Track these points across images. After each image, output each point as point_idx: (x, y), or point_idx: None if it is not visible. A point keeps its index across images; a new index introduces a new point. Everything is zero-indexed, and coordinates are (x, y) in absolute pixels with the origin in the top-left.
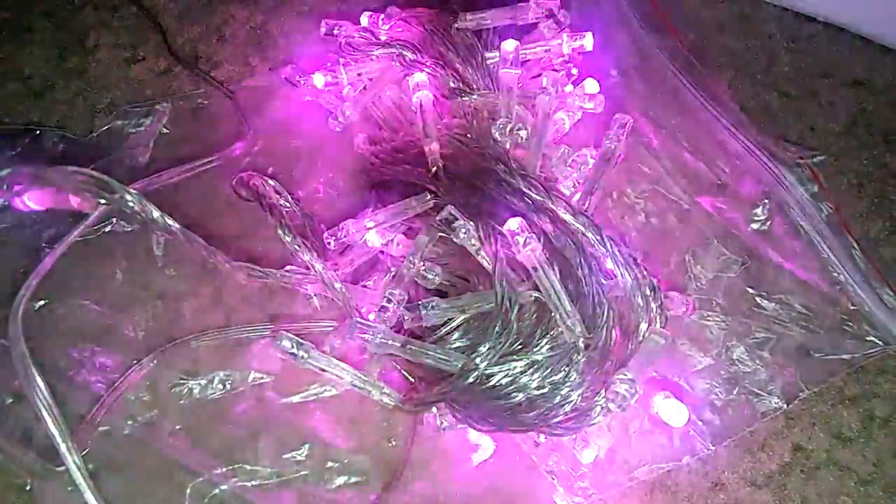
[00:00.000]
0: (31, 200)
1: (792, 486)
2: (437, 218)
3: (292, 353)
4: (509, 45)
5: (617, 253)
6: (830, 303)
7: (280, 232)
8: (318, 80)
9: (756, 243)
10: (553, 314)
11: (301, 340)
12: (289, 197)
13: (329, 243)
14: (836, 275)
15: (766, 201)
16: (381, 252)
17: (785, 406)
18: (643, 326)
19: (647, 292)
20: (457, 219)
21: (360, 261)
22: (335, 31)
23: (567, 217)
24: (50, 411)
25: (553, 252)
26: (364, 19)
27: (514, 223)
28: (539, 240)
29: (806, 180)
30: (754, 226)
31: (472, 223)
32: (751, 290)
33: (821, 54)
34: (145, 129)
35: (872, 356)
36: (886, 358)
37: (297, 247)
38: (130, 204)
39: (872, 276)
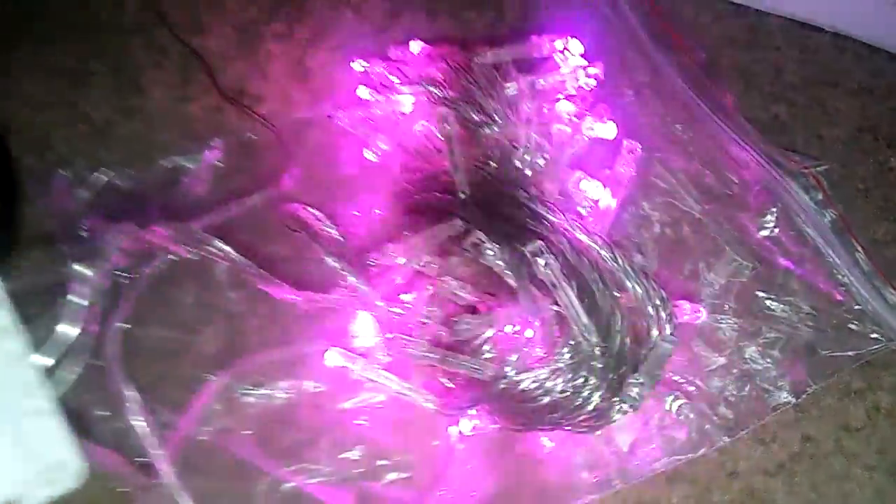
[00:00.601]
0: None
1: (802, 473)
2: (466, 242)
3: (344, 366)
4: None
5: (628, 268)
6: (836, 303)
7: (328, 258)
8: (354, 114)
9: (765, 249)
10: (572, 325)
11: (351, 353)
12: (331, 224)
13: (371, 265)
14: (841, 277)
15: (774, 209)
16: (419, 272)
17: (794, 400)
18: (654, 333)
19: (657, 302)
20: (484, 242)
21: (400, 280)
22: (366, 70)
23: (582, 237)
24: (146, 425)
25: (570, 269)
26: (391, 54)
27: (534, 245)
28: (557, 259)
29: (811, 188)
30: (763, 232)
31: (497, 245)
32: (761, 294)
33: (827, 64)
34: (202, 164)
35: (876, 352)
36: (890, 353)
37: (345, 271)
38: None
39: (876, 277)
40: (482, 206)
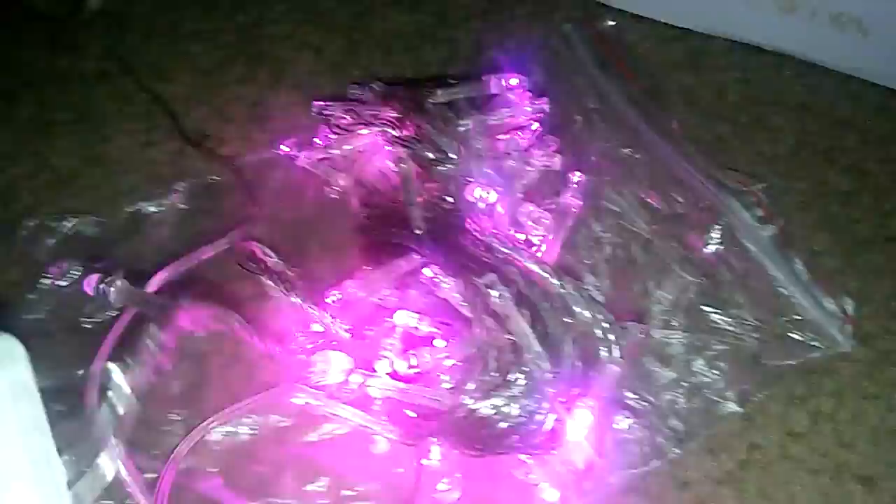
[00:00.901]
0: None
1: (750, 480)
2: (423, 276)
3: (306, 402)
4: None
5: (576, 294)
6: (778, 314)
7: (291, 296)
8: (313, 154)
9: (710, 265)
10: (524, 353)
11: (315, 390)
12: (284, 263)
13: (330, 301)
14: (781, 289)
15: (718, 226)
16: (378, 306)
17: (741, 410)
18: (603, 355)
19: (605, 326)
20: (439, 276)
21: (360, 314)
22: (324, 112)
23: (532, 267)
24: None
25: (522, 298)
26: (349, 93)
27: (488, 277)
28: (509, 290)
29: (752, 205)
30: (708, 249)
31: (452, 278)
32: (707, 308)
33: (768, 83)
34: (166, 208)
35: (817, 359)
36: (831, 360)
37: (310, 309)
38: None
39: (815, 288)
40: (438, 240)
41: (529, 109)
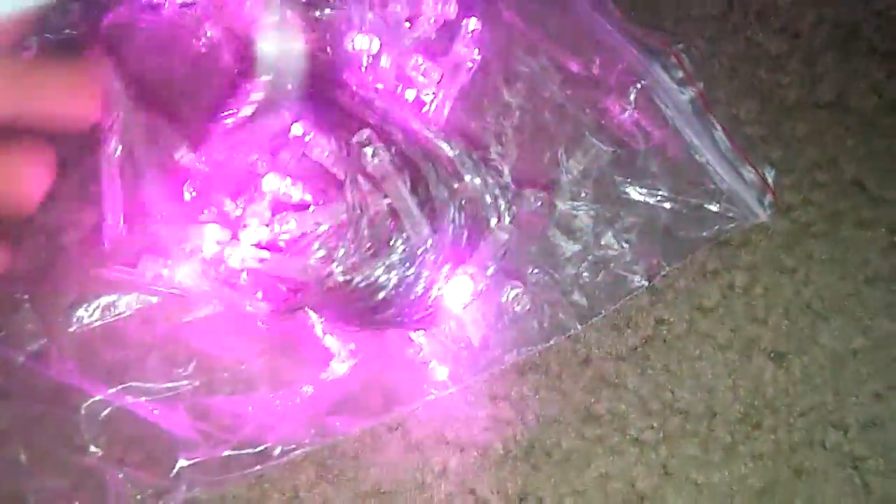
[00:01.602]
0: None
1: (654, 356)
2: (290, 134)
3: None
4: None
5: (465, 158)
6: (694, 184)
7: None
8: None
9: (625, 132)
10: (402, 219)
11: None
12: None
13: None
14: (699, 158)
15: (634, 89)
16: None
17: (646, 283)
18: (493, 222)
19: (496, 192)
20: (309, 134)
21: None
22: None
23: (416, 126)
24: None
25: (404, 160)
26: None
27: (362, 135)
28: (389, 150)
29: (671, 67)
30: (624, 115)
31: (324, 137)
32: (619, 178)
33: None
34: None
35: (732, 231)
36: (747, 232)
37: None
38: None
39: (734, 156)
40: (312, 95)
41: None
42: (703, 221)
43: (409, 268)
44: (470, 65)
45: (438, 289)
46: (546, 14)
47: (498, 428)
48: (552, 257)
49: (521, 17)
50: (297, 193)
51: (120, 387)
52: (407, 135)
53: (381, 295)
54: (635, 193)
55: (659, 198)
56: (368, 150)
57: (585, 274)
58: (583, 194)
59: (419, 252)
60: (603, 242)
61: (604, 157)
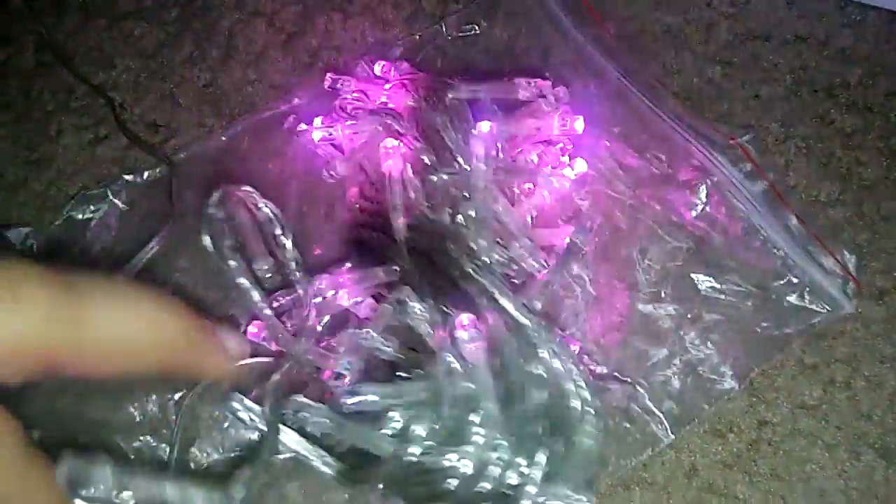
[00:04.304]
0: None
1: (761, 461)
2: (392, 297)
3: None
4: (478, 146)
5: (554, 349)
6: (774, 278)
7: (240, 281)
8: (316, 135)
9: (699, 229)
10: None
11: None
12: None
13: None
14: (776, 251)
15: (704, 186)
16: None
17: (737, 387)
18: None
19: (583, 393)
20: (409, 299)
21: (327, 318)
22: (339, 86)
23: (515, 314)
24: None
25: (494, 343)
26: (376, 68)
27: (464, 318)
28: (483, 334)
29: (740, 160)
30: (695, 211)
31: (423, 303)
32: (697, 276)
33: (760, 16)
34: (105, 211)
35: (819, 324)
36: (839, 322)
37: (258, 307)
38: None
39: (812, 245)
40: (419, 255)
41: (560, 124)
42: (788, 316)
43: (479, 464)
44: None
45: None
46: (607, 113)
47: None
48: (638, 364)
49: (584, 118)
50: (389, 351)
51: None
52: (501, 315)
53: (448, 484)
54: (715, 291)
55: (740, 294)
56: (464, 335)
57: (674, 380)
58: (662, 294)
59: (489, 450)
60: (687, 344)
61: (679, 255)
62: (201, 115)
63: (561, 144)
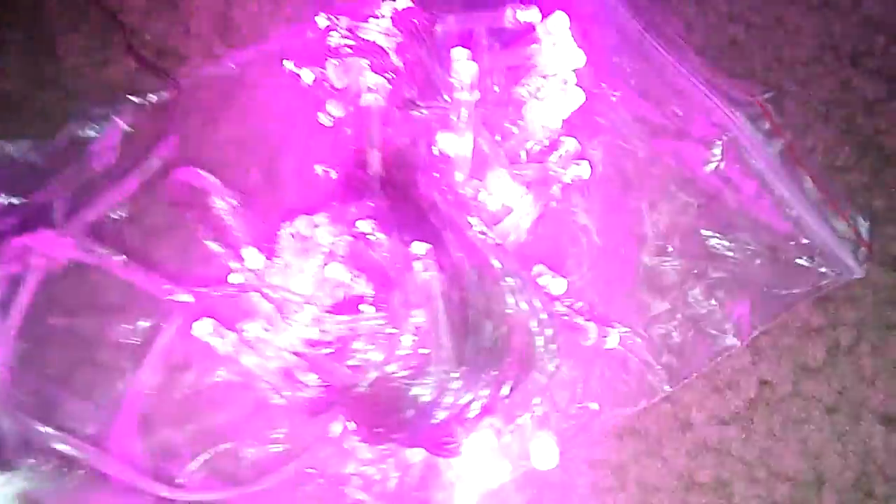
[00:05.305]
0: None
1: (758, 419)
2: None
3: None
4: (465, 66)
5: (518, 280)
6: (785, 239)
7: (209, 243)
8: (307, 77)
9: (711, 185)
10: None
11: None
12: (226, 193)
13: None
14: (789, 211)
15: (720, 141)
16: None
17: (738, 343)
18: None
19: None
20: (374, 231)
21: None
22: (332, 24)
23: (477, 240)
24: None
25: (454, 277)
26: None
27: (420, 248)
28: (442, 266)
29: (758, 117)
30: (709, 167)
31: (386, 236)
32: (707, 232)
33: None
34: (108, 131)
35: (835, 287)
36: (852, 287)
37: (226, 259)
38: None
39: (826, 209)
40: (391, 190)
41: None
42: (796, 277)
43: (435, 392)
44: (556, 190)
45: (461, 423)
46: (627, 64)
47: (598, 496)
48: (640, 316)
49: (603, 67)
50: (360, 287)
51: None
52: (466, 248)
53: (407, 413)
54: (723, 248)
55: (748, 252)
56: (418, 265)
57: (675, 333)
58: (669, 248)
59: (443, 381)
60: (691, 299)
61: (689, 210)
62: (212, 44)
63: (558, 76)
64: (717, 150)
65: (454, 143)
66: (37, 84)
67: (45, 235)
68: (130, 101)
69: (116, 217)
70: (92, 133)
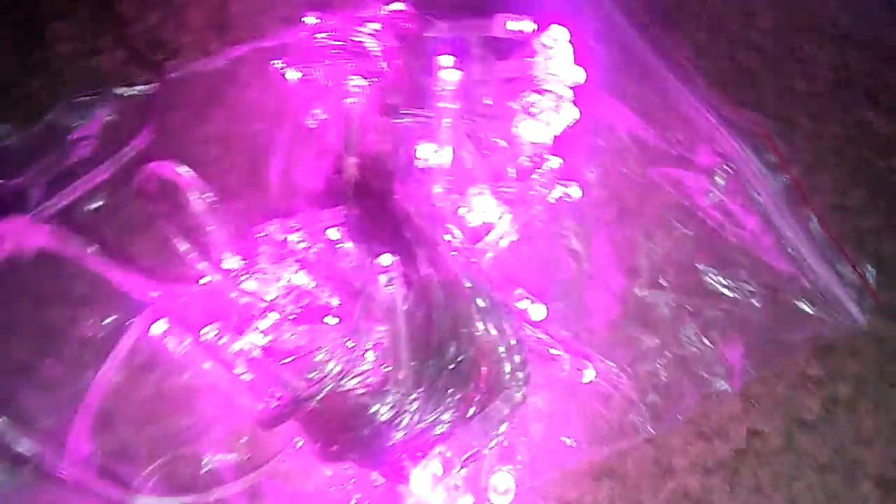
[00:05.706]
0: None
1: (745, 471)
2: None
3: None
4: (450, 74)
5: (488, 302)
6: (785, 280)
7: (176, 241)
8: (292, 75)
9: (711, 217)
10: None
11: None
12: (200, 189)
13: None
14: (790, 251)
15: (722, 173)
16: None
17: (730, 389)
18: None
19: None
20: (340, 240)
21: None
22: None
23: (450, 257)
24: None
25: (422, 294)
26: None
27: (386, 259)
28: (408, 281)
29: (764, 150)
30: (710, 199)
31: (358, 246)
32: (703, 267)
33: (804, 7)
34: (91, 121)
35: (828, 335)
36: (855, 336)
37: (191, 257)
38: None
39: (832, 252)
40: (369, 196)
41: (557, 74)
42: (795, 322)
43: (391, 412)
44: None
45: (418, 447)
46: (631, 87)
47: None
48: (626, 350)
49: (607, 89)
50: (324, 296)
51: None
52: (436, 265)
53: (363, 431)
54: (719, 285)
55: (746, 292)
56: (383, 278)
57: (663, 372)
58: (663, 282)
59: (401, 401)
60: (683, 338)
61: (687, 242)
62: (206, 39)
63: (553, 92)
64: (720, 181)
65: (435, 154)
66: (25, 69)
67: (17, 221)
68: (117, 92)
69: (93, 208)
70: (74, 122)
